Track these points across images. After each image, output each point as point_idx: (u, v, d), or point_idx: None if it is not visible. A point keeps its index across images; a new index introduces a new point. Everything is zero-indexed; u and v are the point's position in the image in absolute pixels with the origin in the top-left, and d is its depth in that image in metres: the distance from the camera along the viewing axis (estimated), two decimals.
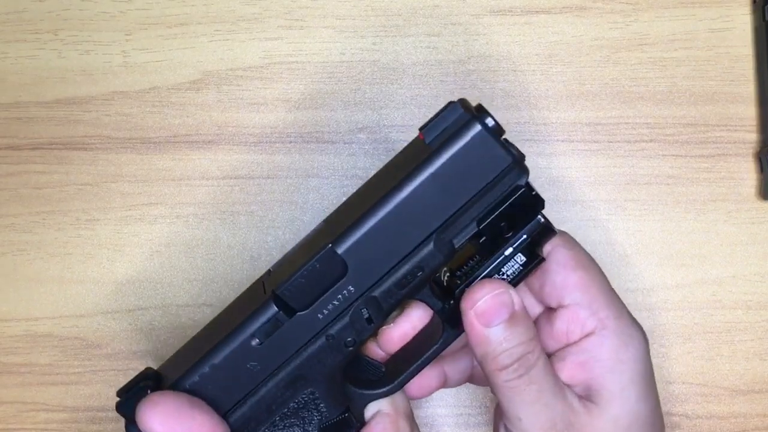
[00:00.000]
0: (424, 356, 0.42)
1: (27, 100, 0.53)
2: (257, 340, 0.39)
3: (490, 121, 0.38)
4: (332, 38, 0.52)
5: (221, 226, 0.52)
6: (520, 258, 0.40)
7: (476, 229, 0.39)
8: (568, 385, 0.42)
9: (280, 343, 0.40)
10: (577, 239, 0.44)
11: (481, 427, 0.53)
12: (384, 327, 0.43)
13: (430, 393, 0.46)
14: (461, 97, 0.40)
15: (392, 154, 0.52)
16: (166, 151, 0.52)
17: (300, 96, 0.52)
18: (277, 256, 0.52)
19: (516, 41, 0.52)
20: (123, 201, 0.52)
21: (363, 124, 0.52)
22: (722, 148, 0.52)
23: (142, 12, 0.53)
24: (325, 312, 0.40)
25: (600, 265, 0.44)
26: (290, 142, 0.52)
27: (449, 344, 0.42)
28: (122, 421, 0.40)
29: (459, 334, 0.42)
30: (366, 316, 0.40)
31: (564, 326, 0.42)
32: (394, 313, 0.43)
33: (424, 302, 0.42)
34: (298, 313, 0.40)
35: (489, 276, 0.41)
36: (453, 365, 0.46)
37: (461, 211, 0.39)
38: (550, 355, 0.43)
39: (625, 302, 0.43)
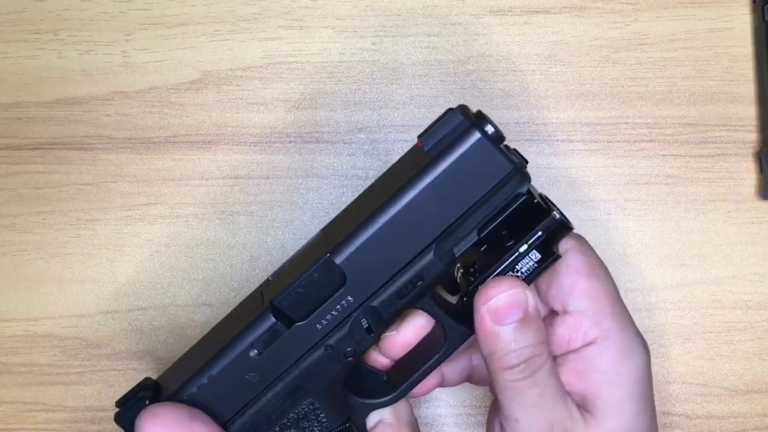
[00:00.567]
0: (426, 365, 0.42)
1: (27, 100, 0.53)
2: (255, 351, 0.39)
3: (489, 129, 0.37)
4: (332, 38, 0.52)
5: (221, 226, 0.52)
6: (535, 255, 0.39)
7: (477, 238, 0.39)
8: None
9: (278, 353, 0.39)
10: None
11: (481, 427, 0.53)
12: (387, 333, 0.42)
13: (428, 392, 0.46)
14: (461, 97, 0.40)
15: (392, 154, 0.52)
16: (165, 151, 0.52)
17: (300, 96, 0.52)
18: (277, 256, 0.52)
19: (516, 41, 0.52)
20: (123, 201, 0.52)
21: (362, 124, 0.52)
22: (722, 148, 0.52)
23: (142, 12, 0.53)
24: (324, 322, 0.39)
25: None
26: (290, 142, 0.52)
27: (451, 354, 0.42)
28: None
29: (465, 340, 0.42)
30: (365, 326, 0.40)
31: (566, 333, 0.42)
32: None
33: (425, 311, 0.41)
34: (297, 324, 0.39)
35: (503, 273, 0.40)
36: (451, 366, 0.45)
37: (461, 219, 0.38)
38: None
39: (625, 302, 0.43)
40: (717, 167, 0.52)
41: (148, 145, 0.52)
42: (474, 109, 0.39)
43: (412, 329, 0.43)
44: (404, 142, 0.52)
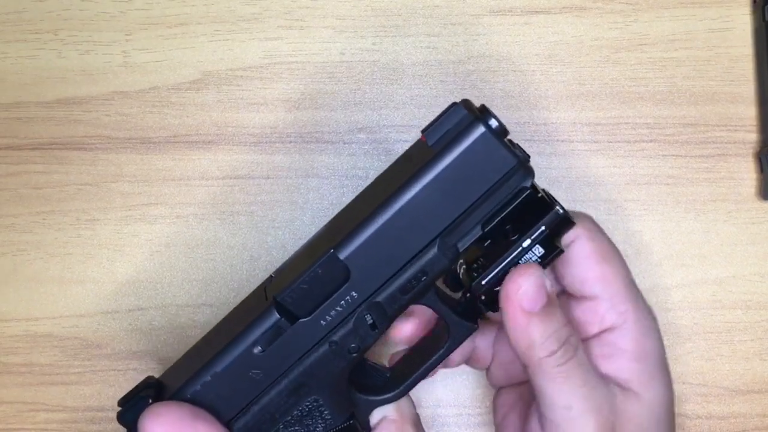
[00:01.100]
0: (430, 361, 0.42)
1: (27, 100, 0.53)
2: (259, 348, 0.39)
3: (493, 123, 0.37)
4: (332, 38, 0.52)
5: (221, 226, 0.52)
6: (539, 250, 0.39)
7: (481, 232, 0.39)
8: None
9: (282, 350, 0.39)
10: None
11: (481, 427, 0.53)
12: (395, 322, 0.42)
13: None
14: (461, 97, 0.40)
15: (392, 154, 0.52)
16: (165, 151, 0.52)
17: (300, 96, 0.52)
18: (277, 256, 0.52)
19: (516, 41, 0.52)
20: (123, 201, 0.52)
21: (363, 124, 0.52)
22: (722, 148, 0.52)
23: (142, 12, 0.53)
24: (328, 318, 0.39)
25: None
26: (290, 142, 0.52)
27: (454, 350, 0.42)
28: None
29: (468, 335, 0.42)
30: (370, 321, 0.40)
31: (582, 317, 0.42)
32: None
33: (429, 307, 0.41)
34: (301, 320, 0.39)
35: (506, 269, 0.39)
36: None
37: (465, 214, 0.38)
38: None
39: None
40: (717, 167, 0.52)
41: (148, 145, 0.52)
42: None
43: (419, 320, 0.43)
44: (404, 142, 0.52)
